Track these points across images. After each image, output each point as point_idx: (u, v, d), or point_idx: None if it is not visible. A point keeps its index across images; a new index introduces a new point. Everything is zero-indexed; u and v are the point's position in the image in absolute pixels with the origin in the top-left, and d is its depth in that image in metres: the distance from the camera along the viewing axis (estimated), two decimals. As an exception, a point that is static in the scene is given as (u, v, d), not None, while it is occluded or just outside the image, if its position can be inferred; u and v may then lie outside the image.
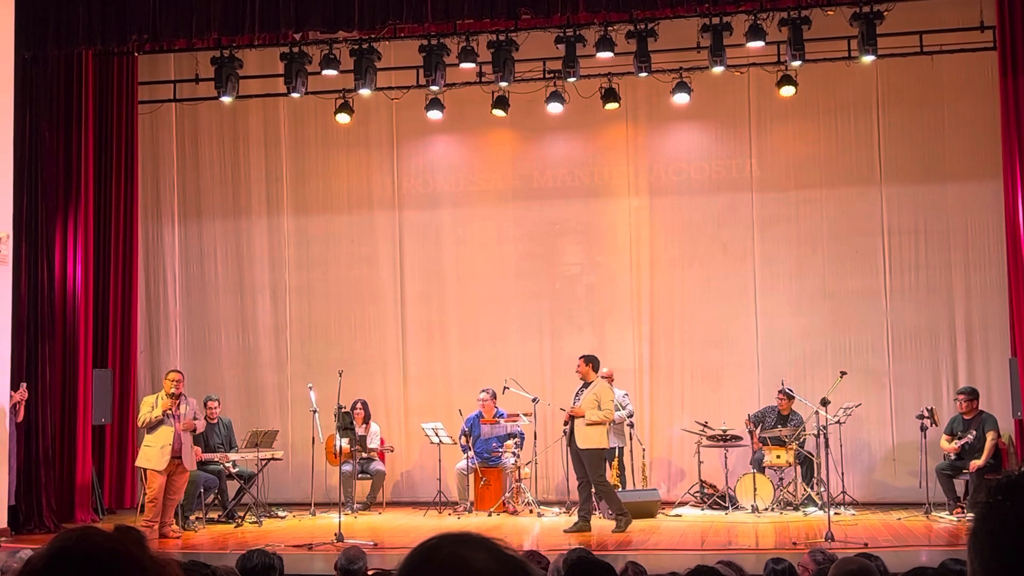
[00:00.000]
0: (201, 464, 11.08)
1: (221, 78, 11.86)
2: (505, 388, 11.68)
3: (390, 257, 13.38)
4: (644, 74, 11.56)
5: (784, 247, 12.62)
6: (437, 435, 11.90)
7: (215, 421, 11.77)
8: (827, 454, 10.36)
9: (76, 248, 11.67)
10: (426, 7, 10.58)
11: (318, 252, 13.51)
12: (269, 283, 13.55)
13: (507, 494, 11.62)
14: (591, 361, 10.48)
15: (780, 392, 11.70)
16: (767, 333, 12.54)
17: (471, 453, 11.78)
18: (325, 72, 11.89)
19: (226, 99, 12.18)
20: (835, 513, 9.91)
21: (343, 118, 12.62)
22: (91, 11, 11.00)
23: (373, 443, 12.26)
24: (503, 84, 11.81)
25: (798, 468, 11.39)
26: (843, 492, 11.18)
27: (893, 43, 11.38)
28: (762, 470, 11.34)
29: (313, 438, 11.90)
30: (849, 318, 12.37)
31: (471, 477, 11.74)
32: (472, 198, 13.33)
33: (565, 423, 10.46)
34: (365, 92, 11.98)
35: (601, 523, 10.51)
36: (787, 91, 11.97)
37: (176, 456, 10.27)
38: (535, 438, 11.87)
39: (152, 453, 10.23)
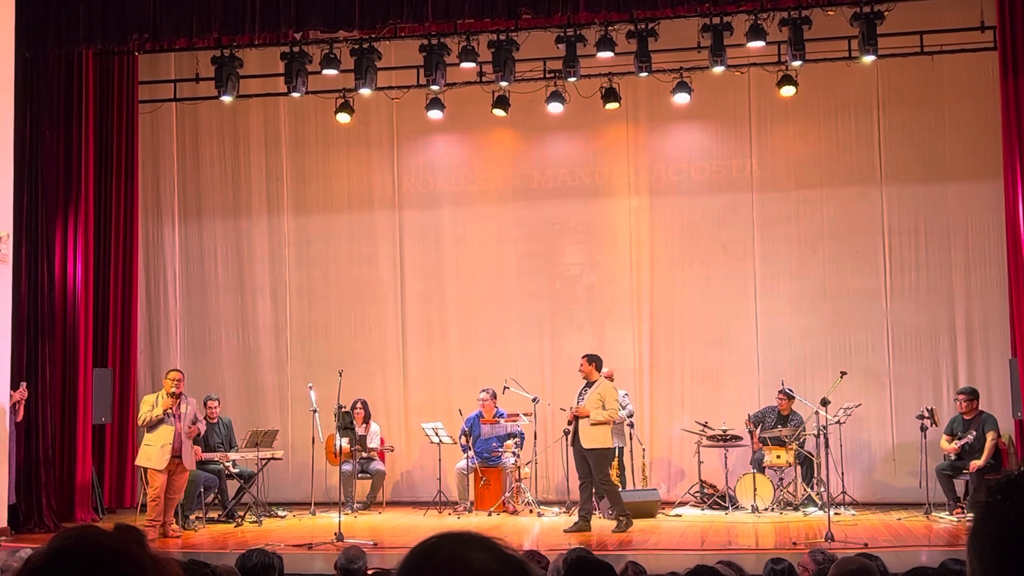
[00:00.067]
0: (201, 464, 11.08)
1: (221, 77, 11.86)
2: (505, 388, 11.68)
3: (390, 257, 13.38)
4: (644, 74, 11.56)
5: (784, 247, 12.62)
6: (437, 435, 11.90)
7: (215, 421, 11.77)
8: (827, 454, 10.36)
9: (76, 247, 11.67)
10: (426, 7, 10.58)
11: (318, 251, 13.51)
12: (269, 282, 13.55)
13: (507, 494, 11.62)
14: (594, 360, 10.48)
15: (780, 392, 11.70)
16: (767, 333, 12.54)
17: (471, 453, 11.78)
18: (325, 72, 11.89)
19: (226, 98, 12.19)
20: (835, 513, 9.91)
21: (343, 118, 12.62)
22: (91, 10, 11.00)
23: (373, 443, 12.26)
24: (503, 84, 11.81)
25: (798, 468, 11.39)
26: (843, 492, 11.18)
27: (894, 43, 11.38)
28: (762, 470, 11.34)
29: (313, 438, 11.90)
30: (849, 318, 12.37)
31: (471, 477, 11.74)
32: (472, 198, 13.33)
33: (569, 423, 10.46)
34: (365, 92, 11.98)
35: (601, 523, 10.51)
36: (787, 91, 11.97)
37: (176, 455, 10.27)
38: (535, 438, 11.87)
39: (152, 452, 10.23)
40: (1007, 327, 11.32)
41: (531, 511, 11.46)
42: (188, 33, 11.07)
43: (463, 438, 11.92)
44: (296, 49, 11.74)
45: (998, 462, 10.66)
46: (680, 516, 11.20)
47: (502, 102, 12.34)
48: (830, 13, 11.27)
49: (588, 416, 10.19)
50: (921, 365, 12.24)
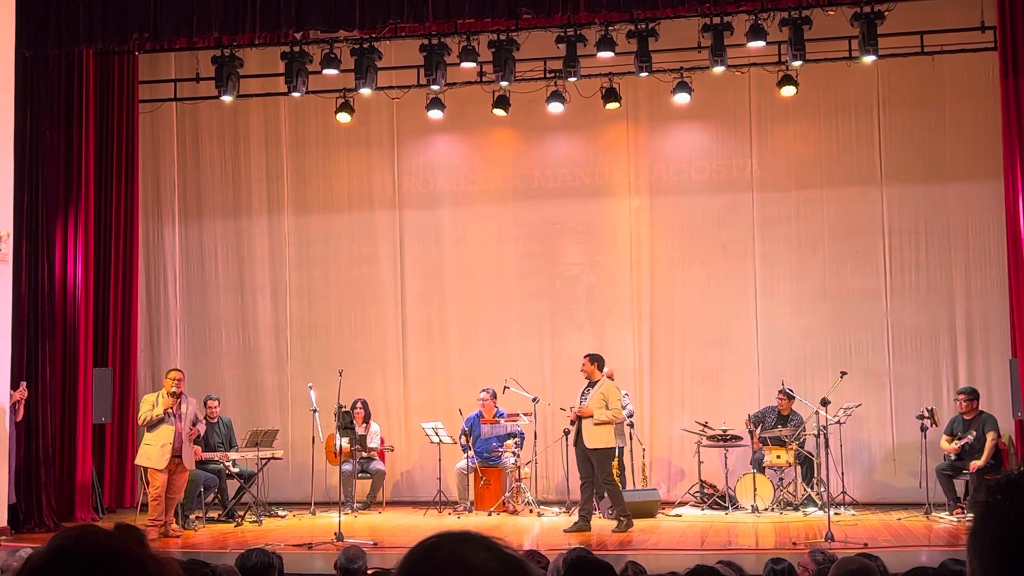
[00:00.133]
0: (201, 463, 11.08)
1: (222, 77, 11.86)
2: (505, 388, 11.68)
3: (390, 257, 13.38)
4: (645, 74, 11.56)
5: (784, 247, 12.62)
6: (437, 435, 11.90)
7: (215, 420, 11.77)
8: (827, 454, 10.36)
9: (76, 247, 11.67)
10: (427, 6, 10.58)
11: (318, 251, 13.51)
12: (269, 282, 13.55)
13: (507, 494, 11.62)
14: (596, 360, 10.47)
15: (780, 392, 11.70)
16: (767, 333, 12.54)
17: (471, 453, 11.78)
18: (326, 71, 11.90)
19: (227, 98, 12.19)
20: (835, 513, 9.91)
21: (344, 117, 12.62)
22: (92, 10, 11.00)
23: (373, 442, 12.26)
24: (504, 84, 11.81)
25: (798, 468, 11.39)
26: (843, 492, 11.18)
27: (894, 43, 11.38)
28: (762, 470, 11.34)
29: (313, 437, 11.90)
30: (849, 318, 12.37)
31: (471, 477, 11.74)
32: (472, 198, 13.33)
33: (572, 423, 10.46)
34: (366, 91, 11.98)
35: (601, 523, 10.51)
36: (788, 91, 11.96)
37: (176, 455, 10.27)
38: (535, 438, 11.87)
39: (152, 452, 10.23)
40: (1007, 327, 11.32)
41: (531, 511, 11.46)
42: (188, 33, 11.07)
43: (463, 438, 11.92)
44: (296, 49, 11.74)
45: (998, 462, 10.65)
46: (680, 516, 11.20)
47: (502, 102, 12.34)
48: (830, 13, 11.27)
49: (591, 416, 10.18)
50: (921, 365, 12.24)
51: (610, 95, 12.19)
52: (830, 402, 10.16)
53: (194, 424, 10.49)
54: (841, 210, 12.47)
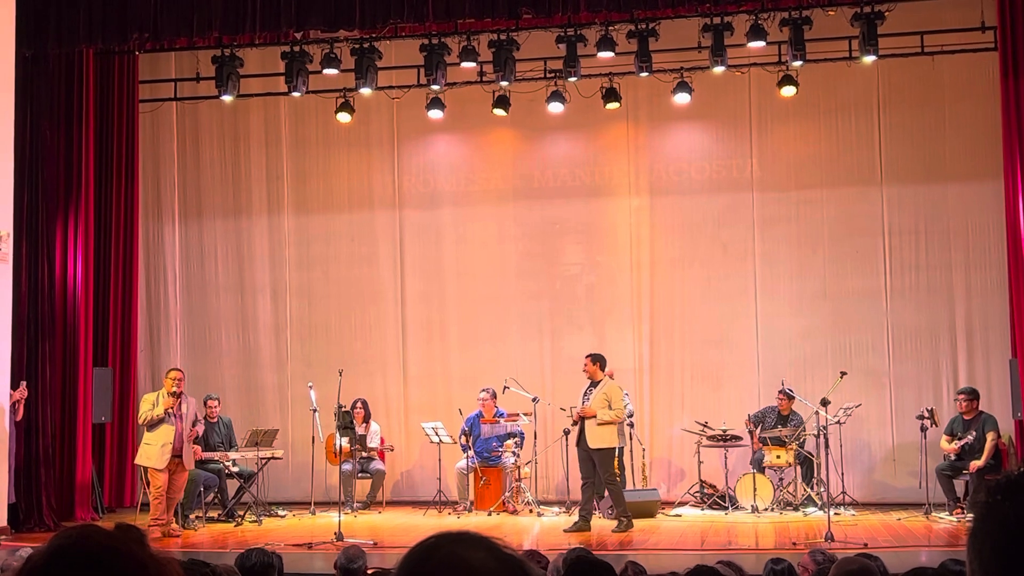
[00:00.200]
0: (201, 463, 11.08)
1: (222, 77, 11.86)
2: (505, 388, 11.68)
3: (390, 256, 13.38)
4: (645, 74, 11.56)
5: (784, 247, 12.62)
6: (437, 434, 11.90)
7: (215, 420, 11.77)
8: (827, 454, 10.36)
9: (76, 247, 11.67)
10: (427, 6, 10.58)
11: (318, 251, 13.51)
12: (269, 282, 13.55)
13: (507, 493, 11.62)
14: (598, 360, 10.47)
15: (780, 392, 11.70)
16: (767, 333, 12.54)
17: (471, 452, 11.78)
18: (326, 71, 11.90)
19: (227, 98, 12.19)
20: (835, 513, 9.91)
21: (344, 117, 12.62)
22: (92, 10, 11.00)
23: (373, 442, 12.26)
24: (504, 83, 11.81)
25: (798, 468, 11.39)
26: (843, 492, 11.18)
27: (894, 43, 11.38)
28: (762, 470, 11.34)
29: (313, 437, 11.90)
30: (849, 318, 12.37)
31: (471, 476, 11.74)
32: (473, 198, 13.33)
33: (574, 423, 10.46)
34: (366, 91, 11.98)
35: (601, 523, 10.51)
36: (788, 91, 11.97)
37: (176, 455, 10.27)
38: (535, 438, 11.87)
39: (152, 451, 10.23)
40: (1007, 327, 11.31)
41: (531, 511, 11.45)
42: (188, 32, 11.07)
43: (463, 438, 11.92)
44: (296, 48, 11.74)
45: (998, 462, 10.65)
46: (680, 516, 11.20)
47: (502, 102, 12.34)
48: (831, 13, 11.27)
49: (594, 416, 10.18)
50: (921, 365, 12.24)
51: (610, 95, 12.19)
52: (830, 402, 10.15)
53: (193, 424, 10.50)
54: (841, 210, 12.47)
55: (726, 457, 11.54)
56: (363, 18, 10.79)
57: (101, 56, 12.20)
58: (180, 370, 10.68)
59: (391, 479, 12.74)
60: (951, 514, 10.56)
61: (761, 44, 11.26)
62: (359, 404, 12.19)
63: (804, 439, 11.41)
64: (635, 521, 10.27)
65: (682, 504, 11.70)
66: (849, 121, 12.51)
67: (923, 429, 10.86)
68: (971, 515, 1.41)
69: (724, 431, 11.58)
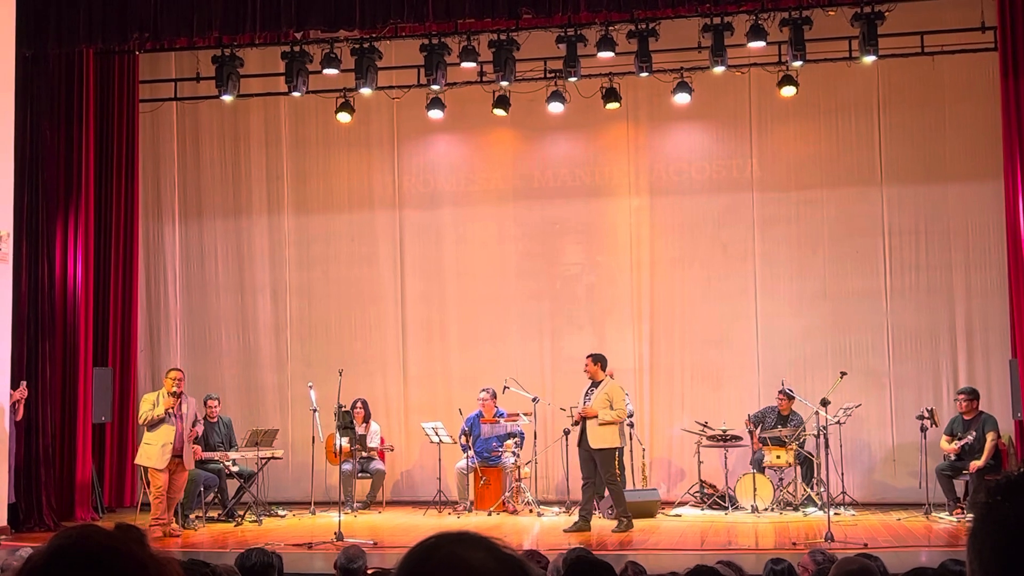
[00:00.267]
0: (201, 463, 11.08)
1: (222, 77, 11.86)
2: (505, 388, 11.68)
3: (390, 256, 13.38)
4: (645, 74, 11.56)
5: (784, 247, 12.62)
6: (437, 434, 11.90)
7: (215, 420, 11.77)
8: (827, 454, 10.36)
9: (76, 246, 11.67)
10: (427, 6, 10.58)
11: (318, 251, 13.51)
12: (269, 282, 13.55)
13: (507, 493, 11.62)
14: (599, 360, 10.47)
15: (780, 392, 11.70)
16: (767, 333, 12.54)
17: (471, 452, 11.78)
18: (326, 71, 11.90)
19: (227, 98, 12.19)
20: (835, 513, 9.91)
21: (344, 117, 12.62)
22: (92, 9, 11.00)
23: (373, 442, 12.26)
24: (504, 83, 11.81)
25: (798, 468, 11.39)
26: (843, 492, 11.18)
27: (894, 43, 11.38)
28: (762, 470, 11.34)
29: (313, 437, 11.90)
30: (849, 319, 12.37)
31: (471, 476, 11.74)
32: (473, 198, 13.33)
33: (575, 423, 10.46)
34: (366, 91, 11.98)
35: (601, 523, 10.51)
36: (788, 91, 11.97)
37: (176, 455, 10.27)
38: (535, 438, 11.87)
39: (153, 451, 10.24)
40: (1007, 328, 11.31)
41: (531, 511, 11.45)
42: (189, 32, 11.07)
43: (463, 438, 11.92)
44: (297, 48, 11.74)
45: (998, 463, 10.65)
46: (680, 516, 11.20)
47: (503, 102, 12.34)
48: (831, 13, 11.27)
49: (596, 416, 10.18)
50: (921, 366, 12.24)
51: (610, 95, 12.19)
52: (830, 402, 10.15)
53: (193, 424, 10.50)
54: (841, 210, 12.47)
55: (726, 457, 11.54)
56: (363, 18, 10.79)
57: (101, 56, 12.20)
58: (180, 370, 10.69)
59: (391, 479, 12.75)
60: (951, 514, 10.56)
61: (761, 44, 11.26)
62: (359, 404, 12.19)
63: (804, 439, 11.41)
64: (635, 521, 10.27)
65: (682, 504, 11.70)
66: (849, 121, 12.51)
67: (923, 429, 10.86)
68: (971, 515, 1.41)
69: (724, 431, 11.58)
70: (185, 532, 10.52)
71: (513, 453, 11.79)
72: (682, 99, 12.16)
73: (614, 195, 13.04)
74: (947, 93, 12.20)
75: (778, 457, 11.20)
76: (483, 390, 12.00)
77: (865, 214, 12.42)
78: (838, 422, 10.96)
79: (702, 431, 11.66)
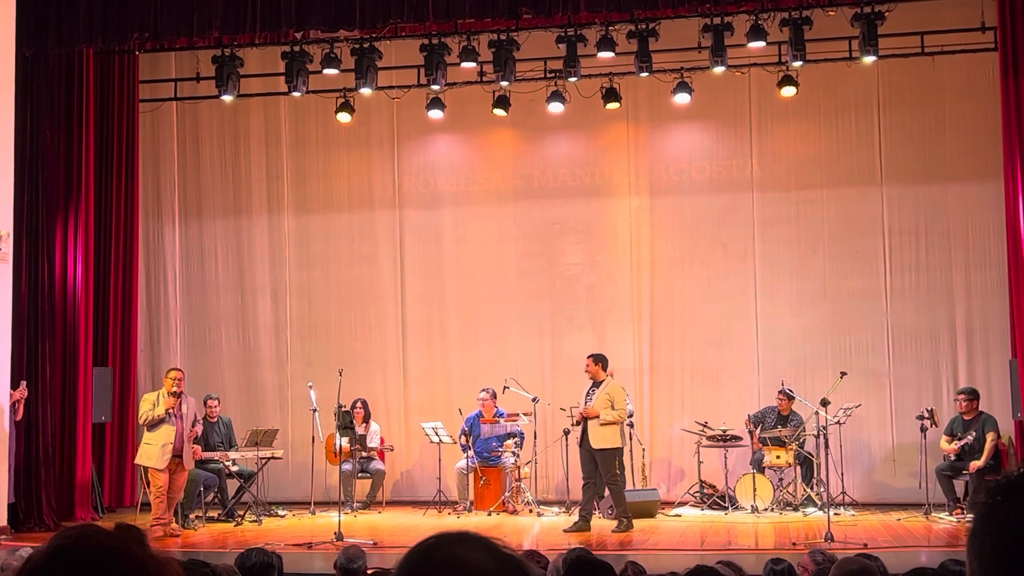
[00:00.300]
0: (201, 463, 11.08)
1: (222, 77, 11.86)
2: (505, 388, 11.68)
3: (390, 256, 13.38)
4: (645, 74, 11.56)
5: (784, 247, 12.62)
6: (437, 434, 11.90)
7: (215, 420, 11.77)
8: (827, 454, 10.36)
9: (76, 246, 11.67)
10: (427, 6, 10.58)
11: (318, 251, 13.51)
12: (269, 282, 13.55)
13: (507, 493, 11.62)
14: (600, 360, 10.47)
15: (780, 392, 11.70)
16: (767, 333, 12.54)
17: (471, 452, 11.78)
18: (326, 71, 11.90)
19: (227, 98, 12.19)
20: (835, 514, 9.90)
21: (344, 117, 12.62)
22: (92, 9, 11.00)
23: (373, 442, 12.26)
24: (504, 83, 11.81)
25: (798, 468, 11.39)
26: (843, 493, 11.18)
27: (894, 44, 11.38)
28: (762, 470, 11.34)
29: (313, 437, 11.89)
30: (849, 319, 12.37)
31: (471, 476, 11.74)
32: (473, 198, 13.33)
33: (577, 423, 10.46)
34: (366, 91, 11.98)
35: (601, 523, 10.51)
36: (788, 91, 11.97)
37: (176, 455, 10.27)
38: (535, 438, 11.87)
39: (153, 451, 10.23)
40: (1007, 328, 11.31)
41: (531, 511, 11.45)
42: (189, 32, 11.07)
43: (463, 438, 11.92)
44: (297, 48, 11.74)
45: (998, 463, 10.65)
46: (680, 516, 11.20)
47: (503, 102, 12.34)
48: (831, 13, 11.27)
49: (597, 417, 10.19)
50: (921, 366, 12.24)
51: (610, 95, 12.19)
52: (830, 402, 10.15)
53: (193, 424, 10.50)
54: (841, 210, 12.47)
55: (726, 457, 11.54)
56: (363, 18, 10.79)
57: (101, 56, 12.20)
58: (180, 370, 10.69)
59: (391, 479, 12.74)
60: (951, 514, 10.56)
61: (761, 44, 11.26)
62: (359, 404, 12.19)
63: (804, 439, 11.40)
64: (635, 521, 10.27)
65: (682, 504, 11.70)
66: (849, 121, 12.51)
67: (923, 429, 10.86)
68: (971, 515, 1.41)
69: (724, 431, 11.58)
70: (185, 532, 10.52)
71: (513, 453, 11.79)
72: (682, 99, 12.15)
73: (614, 195, 13.04)
74: (947, 93, 12.20)
75: (778, 457, 11.20)
76: (483, 390, 12.00)
77: (865, 214, 12.42)
78: (838, 422, 10.96)
79: (702, 431, 11.66)
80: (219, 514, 11.48)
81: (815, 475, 11.28)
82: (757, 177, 12.73)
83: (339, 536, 9.34)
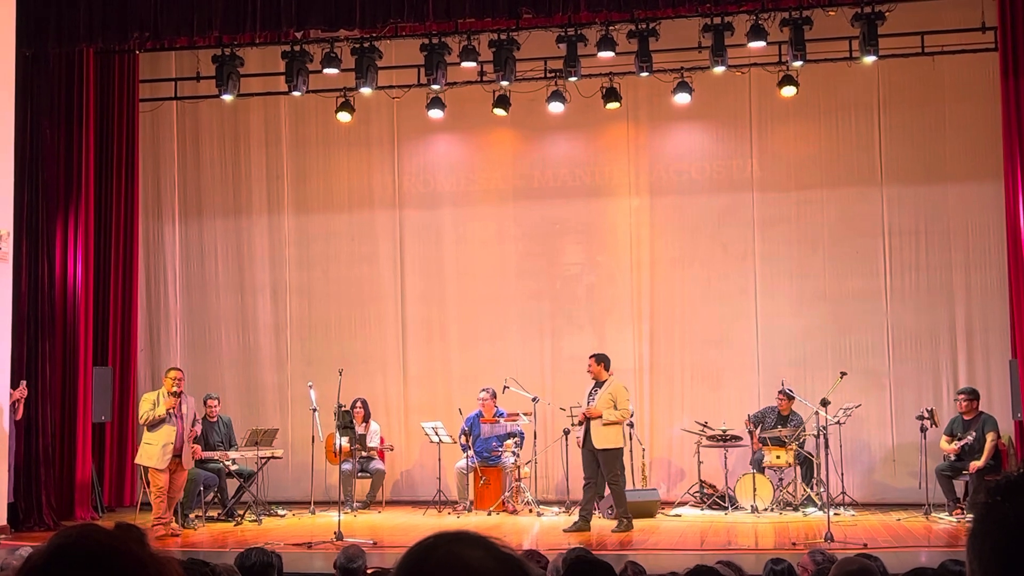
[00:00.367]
0: (201, 462, 11.08)
1: (222, 76, 11.86)
2: (505, 387, 11.69)
3: (391, 256, 13.38)
4: (645, 74, 11.56)
5: (784, 247, 12.62)
6: (437, 434, 11.90)
7: (215, 419, 11.77)
8: (827, 455, 10.36)
9: (76, 246, 11.67)
10: (427, 6, 10.58)
11: (318, 251, 13.51)
12: (269, 282, 13.55)
13: (507, 493, 11.62)
14: (602, 360, 10.47)
15: (780, 392, 11.70)
16: (767, 333, 12.54)
17: (471, 452, 11.78)
18: (326, 70, 11.90)
19: (227, 97, 12.18)
20: (835, 514, 9.90)
21: (344, 117, 12.62)
22: (92, 9, 11.00)
23: (373, 442, 12.26)
24: (504, 83, 11.81)
25: (798, 468, 11.39)
26: (843, 493, 11.18)
27: (894, 43, 11.38)
28: (762, 470, 11.34)
29: (313, 437, 11.89)
30: (849, 319, 12.37)
31: (471, 476, 11.74)
32: (473, 197, 13.33)
33: (580, 423, 10.46)
34: (366, 91, 11.98)
35: (601, 523, 10.51)
36: (788, 91, 11.96)
37: (176, 455, 10.27)
38: (535, 437, 11.87)
39: (153, 451, 10.23)
40: (1007, 328, 11.31)
41: (530, 511, 11.45)
42: (189, 32, 11.07)
43: (463, 437, 11.92)
44: (297, 48, 11.74)
45: (998, 463, 10.65)
46: (680, 516, 11.20)
47: (503, 102, 12.34)
48: (831, 13, 11.27)
49: (600, 417, 10.19)
50: (921, 366, 12.24)
51: (610, 95, 12.19)
52: (830, 402, 10.15)
53: (192, 424, 10.50)
54: (841, 210, 12.47)
55: (726, 457, 11.54)
56: (363, 18, 10.80)
57: (101, 55, 12.20)
58: (180, 369, 10.69)
59: (391, 479, 12.75)
60: (951, 514, 10.56)
61: (761, 44, 11.26)
62: (359, 403, 12.19)
63: (804, 439, 11.40)
64: (635, 521, 10.27)
65: (682, 504, 11.70)
66: (849, 121, 12.51)
67: (923, 429, 10.86)
68: (971, 515, 1.40)
69: (724, 431, 11.58)
70: (185, 531, 10.52)
71: (513, 453, 11.79)
72: (682, 99, 12.15)
73: (614, 195, 13.04)
74: (947, 93, 12.20)
75: (778, 457, 11.20)
76: (483, 390, 12.00)
77: (865, 214, 12.42)
78: (838, 422, 10.96)
79: (702, 431, 11.66)
80: (219, 514, 11.49)
81: (815, 475, 11.28)
82: (757, 177, 12.73)
83: (339, 536, 9.34)
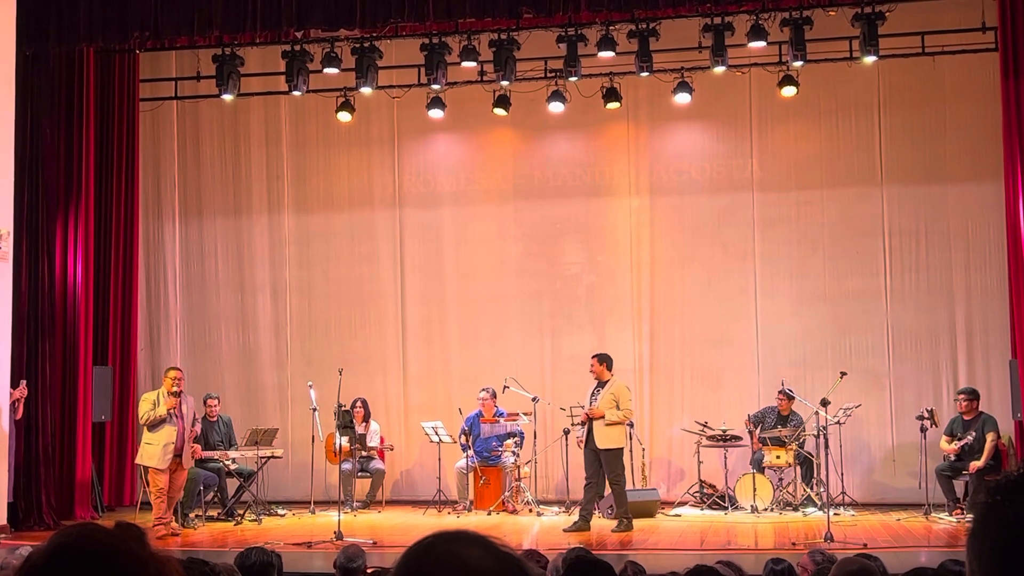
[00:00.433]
0: (201, 462, 11.09)
1: (222, 76, 11.86)
2: (505, 387, 11.69)
3: (391, 256, 13.38)
4: (645, 74, 11.56)
5: (785, 247, 12.62)
6: (437, 434, 11.90)
7: (215, 419, 11.77)
8: (827, 455, 10.36)
9: (76, 245, 11.67)
10: (428, 6, 10.58)
11: (319, 250, 13.51)
12: (269, 281, 13.55)
13: (507, 493, 11.62)
14: (605, 360, 10.48)
15: (780, 392, 11.70)
16: (767, 333, 12.54)
17: (471, 452, 11.78)
18: (326, 70, 11.90)
19: (227, 97, 12.18)
20: (834, 514, 9.90)
21: (344, 116, 12.63)
22: (92, 8, 11.01)
23: (373, 441, 12.26)
24: (504, 83, 11.81)
25: (798, 468, 11.39)
26: (843, 493, 11.18)
27: (895, 44, 11.38)
28: (762, 470, 11.34)
29: (313, 436, 11.89)
30: (849, 319, 12.37)
31: (471, 476, 11.74)
32: (473, 197, 13.33)
33: (582, 423, 10.46)
34: (366, 90, 11.99)
35: (601, 523, 10.51)
36: (788, 91, 11.96)
37: (176, 454, 10.27)
38: (535, 437, 11.87)
39: (154, 451, 10.22)
40: (1007, 328, 11.31)
41: (530, 510, 11.46)
42: (189, 31, 11.07)
43: (463, 437, 11.92)
44: (297, 47, 11.74)
45: (998, 463, 10.65)
46: (680, 516, 11.21)
47: (503, 101, 12.34)
48: (831, 13, 11.27)
49: (602, 417, 10.19)
50: (921, 366, 12.24)
51: (611, 95, 12.19)
52: (830, 402, 10.14)
53: (192, 423, 10.50)
54: (841, 211, 12.47)
55: (726, 457, 11.54)
56: (364, 17, 10.80)
57: (102, 55, 12.20)
58: (180, 369, 10.69)
59: (391, 478, 12.75)
60: (951, 515, 10.56)
61: (762, 44, 11.26)
62: (359, 403, 12.19)
63: (804, 439, 11.41)
64: (635, 521, 10.27)
65: (682, 504, 11.70)
66: (849, 121, 12.51)
67: (923, 430, 10.86)
68: (971, 515, 1.40)
69: (724, 431, 11.58)
70: (185, 531, 10.52)
71: (513, 453, 11.79)
72: (682, 99, 12.15)
73: (614, 195, 13.04)
74: (947, 93, 12.20)
75: (778, 457, 11.20)
76: (483, 390, 12.00)
77: (865, 214, 12.42)
78: (838, 422, 10.96)
79: (702, 431, 11.66)
80: (219, 513, 11.49)
81: (815, 475, 11.28)
82: (757, 177, 12.73)
83: (339, 535, 9.35)
